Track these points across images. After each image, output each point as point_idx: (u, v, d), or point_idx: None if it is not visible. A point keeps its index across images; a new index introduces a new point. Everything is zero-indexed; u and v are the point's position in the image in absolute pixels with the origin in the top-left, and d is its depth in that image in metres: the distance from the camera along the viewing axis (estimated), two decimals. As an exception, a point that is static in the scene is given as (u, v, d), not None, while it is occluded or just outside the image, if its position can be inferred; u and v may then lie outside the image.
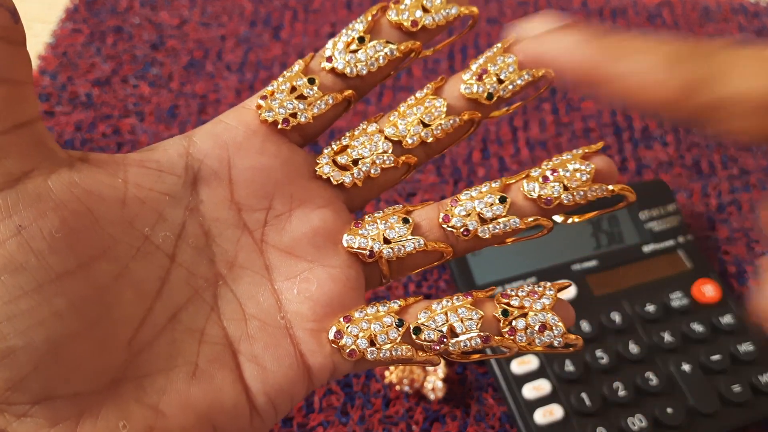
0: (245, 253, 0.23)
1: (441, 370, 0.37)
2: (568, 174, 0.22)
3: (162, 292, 0.21)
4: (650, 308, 0.39)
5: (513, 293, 0.23)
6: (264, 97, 0.23)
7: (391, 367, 0.37)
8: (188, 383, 0.21)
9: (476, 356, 0.23)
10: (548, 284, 0.23)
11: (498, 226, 0.23)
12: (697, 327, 0.38)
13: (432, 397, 0.37)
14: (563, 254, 0.41)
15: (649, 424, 0.35)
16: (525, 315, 0.22)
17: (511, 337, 0.22)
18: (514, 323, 0.22)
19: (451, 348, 0.22)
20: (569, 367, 0.36)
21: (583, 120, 0.51)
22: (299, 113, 0.23)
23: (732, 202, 0.47)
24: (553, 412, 0.35)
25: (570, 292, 0.39)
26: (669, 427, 0.35)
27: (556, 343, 0.22)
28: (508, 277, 0.40)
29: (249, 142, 0.23)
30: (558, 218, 0.24)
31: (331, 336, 0.22)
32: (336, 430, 0.36)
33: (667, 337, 0.38)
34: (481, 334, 0.22)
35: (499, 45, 0.24)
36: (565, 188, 0.22)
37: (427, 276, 0.42)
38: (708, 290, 0.40)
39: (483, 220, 0.23)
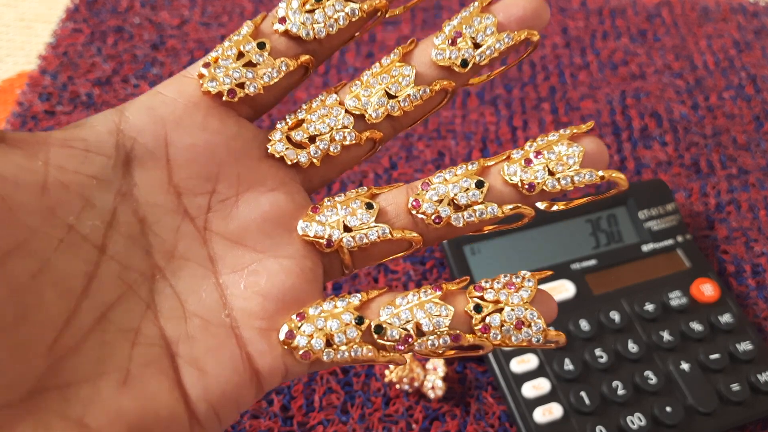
0: (186, 242, 0.21)
1: (441, 368, 0.37)
2: (554, 157, 0.20)
3: (90, 289, 0.19)
4: (649, 307, 0.39)
5: (488, 285, 0.20)
6: (207, 65, 0.21)
7: (391, 366, 0.37)
8: (118, 391, 0.19)
9: (451, 353, 0.20)
10: (527, 274, 0.21)
11: (474, 215, 0.20)
12: (696, 326, 0.39)
13: (432, 395, 0.37)
14: (563, 253, 0.41)
15: (648, 422, 0.35)
16: (500, 310, 0.20)
17: (485, 335, 0.20)
18: (488, 320, 0.20)
19: (417, 348, 0.20)
20: (569, 365, 0.37)
21: (582, 119, 0.51)
22: (247, 83, 0.21)
23: (731, 201, 0.47)
24: (553, 411, 0.35)
25: (569, 292, 0.39)
26: (668, 425, 0.35)
27: (534, 341, 0.20)
28: (508, 277, 0.40)
29: (189, 116, 0.21)
30: (541, 205, 0.22)
31: (282, 336, 0.20)
32: (336, 429, 0.36)
33: (666, 336, 0.38)
34: (451, 332, 0.20)
35: (476, 4, 0.21)
36: (551, 173, 0.20)
37: (426, 275, 0.42)
38: (707, 289, 0.40)
39: (457, 207, 0.20)
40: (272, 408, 0.36)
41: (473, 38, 0.21)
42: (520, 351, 0.37)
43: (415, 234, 0.21)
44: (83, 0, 0.55)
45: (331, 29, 0.21)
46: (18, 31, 0.55)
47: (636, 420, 0.35)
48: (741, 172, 0.49)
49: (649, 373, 0.37)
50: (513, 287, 0.20)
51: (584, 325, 0.38)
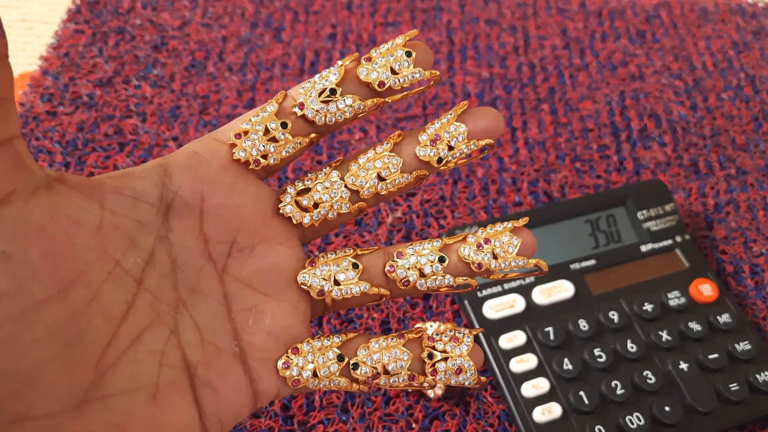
0: (207, 281, 0.24)
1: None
2: (498, 244, 0.26)
3: (128, 315, 0.22)
4: (648, 307, 0.39)
5: (438, 338, 0.26)
6: (238, 136, 0.25)
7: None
8: (150, 404, 0.22)
9: (401, 386, 0.26)
10: (466, 331, 0.26)
11: (434, 282, 0.26)
12: (695, 326, 0.39)
13: (431, 395, 0.37)
14: (562, 253, 0.41)
15: (647, 422, 0.35)
16: (446, 359, 0.25)
17: (433, 377, 0.25)
18: (436, 365, 0.25)
19: (382, 383, 0.25)
20: (568, 365, 0.37)
21: (581, 120, 0.51)
22: (270, 155, 0.25)
23: (729, 201, 0.47)
24: (552, 411, 0.36)
25: (568, 292, 0.40)
26: (667, 425, 0.35)
27: (467, 384, 0.26)
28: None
29: (221, 178, 0.25)
30: (484, 277, 0.28)
31: (279, 365, 0.25)
32: (336, 428, 0.36)
33: (664, 335, 0.38)
34: (409, 372, 0.25)
35: (452, 114, 0.26)
36: (495, 257, 0.26)
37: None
38: (705, 289, 0.40)
39: (422, 274, 0.26)
40: (273, 407, 0.37)
41: (448, 142, 0.26)
42: (520, 351, 0.37)
43: (386, 291, 0.26)
44: (85, 1, 0.55)
45: (339, 118, 0.25)
46: (19, 32, 0.55)
47: (635, 419, 0.35)
48: (739, 173, 0.49)
49: (648, 373, 0.37)
50: (456, 341, 0.26)
51: (583, 324, 0.38)
